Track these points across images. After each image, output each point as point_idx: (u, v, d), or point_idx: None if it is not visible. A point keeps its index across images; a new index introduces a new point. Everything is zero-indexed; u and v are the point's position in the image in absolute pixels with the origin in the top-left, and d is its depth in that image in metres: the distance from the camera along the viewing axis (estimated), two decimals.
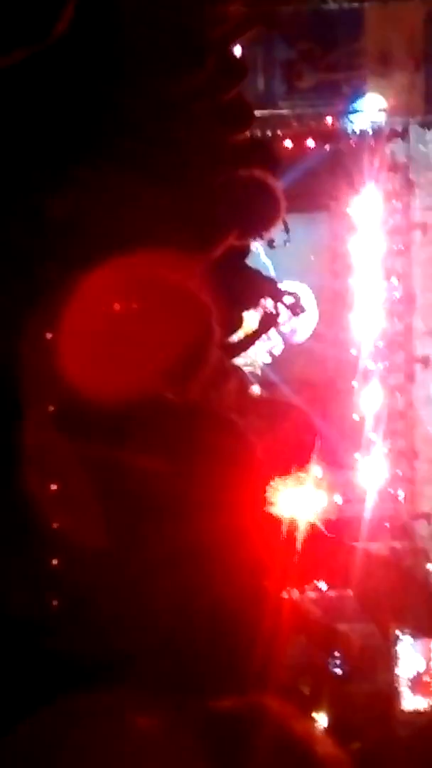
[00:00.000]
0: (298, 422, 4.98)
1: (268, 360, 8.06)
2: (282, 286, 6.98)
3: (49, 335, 2.67)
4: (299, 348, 7.99)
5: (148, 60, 3.45)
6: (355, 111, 7.77)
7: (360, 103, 7.84)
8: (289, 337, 7.58)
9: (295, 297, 6.82)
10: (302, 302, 7.04)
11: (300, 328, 7.43)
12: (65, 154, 3.52)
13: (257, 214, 4.42)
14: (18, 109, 3.21)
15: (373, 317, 8.21)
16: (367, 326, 8.22)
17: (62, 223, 3.44)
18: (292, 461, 5.16)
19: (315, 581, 5.80)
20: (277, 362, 8.11)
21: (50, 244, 3.22)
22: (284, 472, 5.62)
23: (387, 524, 8.08)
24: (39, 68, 3.13)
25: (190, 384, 2.96)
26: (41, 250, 3.21)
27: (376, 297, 8.21)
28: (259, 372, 8.04)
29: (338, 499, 8.21)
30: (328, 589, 6.62)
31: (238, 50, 5.14)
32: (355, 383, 8.34)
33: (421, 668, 7.41)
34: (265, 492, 2.80)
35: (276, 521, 3.19)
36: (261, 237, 4.89)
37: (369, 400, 8.32)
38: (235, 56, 4.23)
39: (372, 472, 8.21)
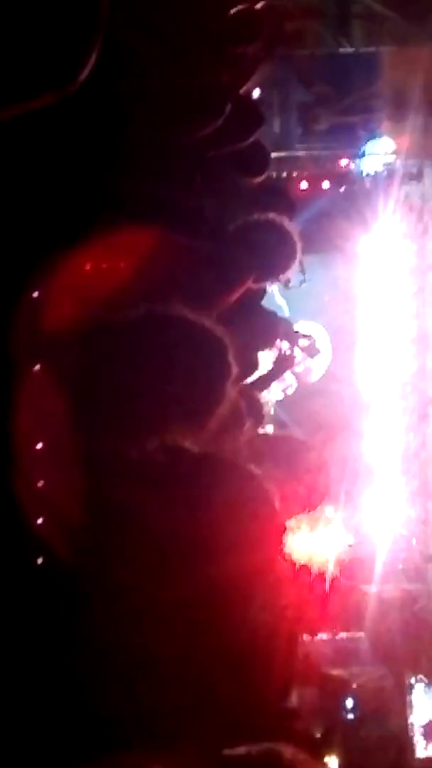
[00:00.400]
0: (311, 463, 4.96)
1: (281, 398, 8.06)
2: (297, 326, 7.01)
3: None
4: (313, 387, 8.00)
5: (164, 107, 3.49)
6: (370, 153, 7.83)
7: (375, 145, 7.89)
8: (303, 376, 7.59)
9: (309, 339, 6.84)
10: (317, 343, 7.05)
11: (314, 368, 7.44)
12: (80, 203, 3.55)
13: (274, 258, 4.44)
14: (30, 159, 3.24)
15: (387, 357, 8.22)
16: (381, 366, 8.23)
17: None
18: (306, 502, 5.14)
19: (329, 625, 5.75)
20: (290, 401, 8.11)
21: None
22: (298, 513, 5.60)
23: (400, 566, 8.03)
24: (55, 117, 3.16)
25: (207, 424, 2.96)
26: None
27: (390, 337, 8.22)
28: (272, 411, 8.04)
29: (351, 539, 8.18)
30: (341, 631, 6.57)
31: (255, 94, 5.20)
32: (368, 423, 8.33)
33: None
34: (280, 539, 2.78)
35: (291, 568, 3.18)
36: (277, 280, 4.91)
37: (382, 441, 8.30)
38: (251, 103, 4.27)
39: (385, 512, 8.17)
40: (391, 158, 7.88)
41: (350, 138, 7.91)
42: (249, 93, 4.26)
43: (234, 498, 2.53)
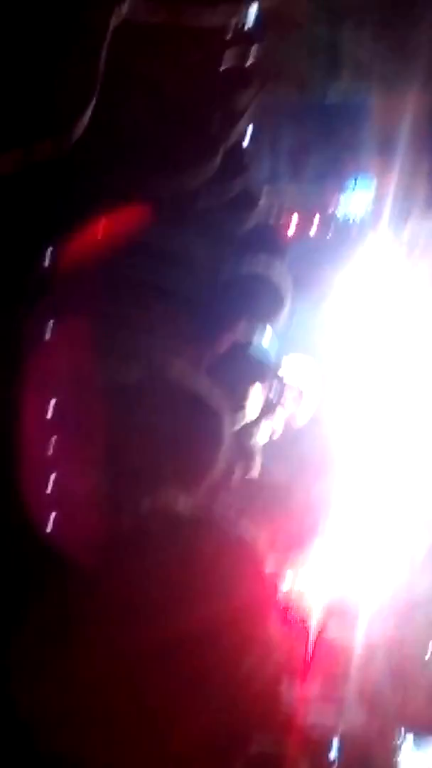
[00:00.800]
0: (299, 506, 4.96)
1: (267, 440, 8.04)
2: (292, 361, 7.03)
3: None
4: (300, 429, 7.97)
5: (155, 159, 3.52)
6: (356, 198, 7.93)
7: (361, 191, 7.98)
8: (290, 420, 7.57)
9: (299, 389, 6.86)
10: (307, 388, 7.05)
11: (302, 412, 7.41)
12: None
13: (264, 309, 4.47)
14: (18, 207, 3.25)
15: (377, 396, 8.23)
16: (370, 405, 8.24)
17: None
18: (294, 548, 5.13)
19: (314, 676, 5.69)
20: (277, 442, 8.08)
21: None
22: (286, 559, 5.58)
23: (388, 609, 7.98)
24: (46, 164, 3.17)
25: (200, 487, 2.96)
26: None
27: (380, 378, 8.24)
28: (261, 448, 8.01)
29: (339, 580, 8.15)
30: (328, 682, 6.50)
31: (246, 140, 5.24)
32: (355, 463, 8.31)
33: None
34: (271, 601, 2.78)
35: (276, 626, 3.16)
36: (269, 325, 4.93)
37: (368, 482, 8.28)
38: (242, 152, 4.30)
39: (370, 556, 8.13)
40: (370, 204, 7.98)
41: (337, 183, 8.00)
42: (240, 143, 4.29)
43: (224, 562, 2.52)
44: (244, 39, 3.57)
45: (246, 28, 3.36)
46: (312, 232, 7.93)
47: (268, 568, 2.66)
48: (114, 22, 2.68)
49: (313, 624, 5.19)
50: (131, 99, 3.31)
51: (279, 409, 6.36)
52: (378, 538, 8.19)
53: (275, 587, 2.86)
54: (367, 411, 8.34)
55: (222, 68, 3.74)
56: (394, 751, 7.04)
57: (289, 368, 6.74)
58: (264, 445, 8.00)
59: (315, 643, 4.95)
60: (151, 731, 2.59)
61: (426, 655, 8.00)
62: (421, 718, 6.53)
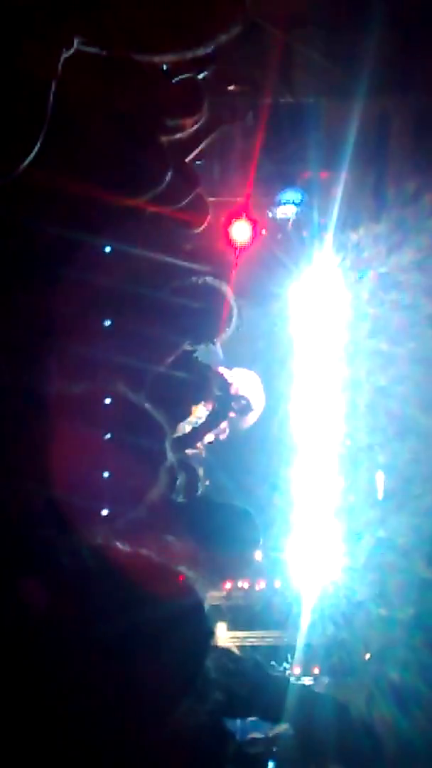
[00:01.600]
0: (239, 523, 4.98)
1: (211, 439, 8.07)
2: (232, 374, 7.04)
3: None
4: (245, 433, 8.01)
5: (104, 175, 3.49)
6: (285, 202, 7.96)
7: (311, 194, 8.00)
8: (235, 423, 7.61)
9: (243, 398, 6.89)
10: (250, 393, 7.09)
11: (247, 417, 7.46)
12: (23, 262, 3.52)
13: (209, 321, 4.47)
14: None
15: (320, 404, 8.29)
16: (313, 413, 8.30)
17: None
18: (233, 565, 5.14)
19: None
20: (221, 446, 8.11)
21: None
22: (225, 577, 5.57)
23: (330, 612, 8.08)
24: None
25: (141, 503, 2.95)
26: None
27: (322, 384, 8.30)
28: (203, 454, 8.04)
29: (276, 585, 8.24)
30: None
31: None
32: (299, 469, 8.38)
33: None
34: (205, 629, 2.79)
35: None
36: (212, 342, 4.94)
37: (313, 487, 8.36)
38: (191, 167, 4.29)
39: (314, 559, 8.23)
40: (332, 207, 8.00)
41: (288, 186, 8.01)
42: (189, 159, 4.27)
43: (159, 593, 2.53)
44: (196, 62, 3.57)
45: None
46: (262, 235, 7.94)
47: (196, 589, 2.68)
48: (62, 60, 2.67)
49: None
50: (81, 117, 3.28)
51: (226, 416, 6.38)
52: (321, 541, 8.29)
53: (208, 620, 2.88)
54: (312, 413, 8.42)
55: (173, 85, 3.73)
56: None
57: (234, 380, 6.78)
58: (208, 444, 8.06)
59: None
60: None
61: (365, 655, 8.11)
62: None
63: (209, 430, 6.21)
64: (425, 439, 8.40)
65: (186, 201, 4.47)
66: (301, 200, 7.98)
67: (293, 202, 7.98)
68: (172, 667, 2.49)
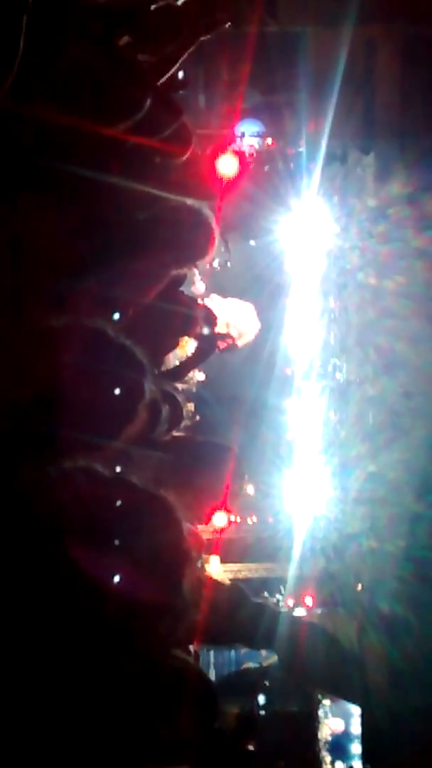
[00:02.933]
0: (219, 464, 5.01)
1: (203, 378, 8.09)
2: (225, 303, 7.01)
3: None
4: (235, 366, 8.02)
5: (83, 103, 3.44)
6: (248, 134, 7.85)
7: (299, 126, 7.89)
8: (227, 355, 7.58)
9: (234, 326, 6.85)
10: (242, 323, 7.04)
11: (238, 347, 7.42)
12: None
13: (192, 243, 4.43)
14: None
15: (310, 337, 8.29)
16: (304, 346, 8.30)
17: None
18: (213, 501, 5.18)
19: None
20: (213, 379, 8.13)
21: None
22: (205, 513, 5.62)
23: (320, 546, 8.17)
24: None
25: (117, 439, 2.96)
26: None
27: (313, 318, 8.29)
28: (194, 389, 8.05)
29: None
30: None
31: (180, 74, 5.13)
32: (290, 403, 8.41)
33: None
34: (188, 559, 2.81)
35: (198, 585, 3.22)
36: (195, 266, 4.90)
37: (303, 420, 8.39)
38: (173, 96, 4.23)
39: (305, 492, 8.29)
40: (320, 139, 7.89)
41: (275, 117, 7.89)
42: (171, 82, 4.21)
43: (142, 519, 2.55)
44: None
45: None
46: (248, 167, 7.84)
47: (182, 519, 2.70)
48: None
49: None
50: (60, 42, 3.23)
51: (213, 349, 6.35)
52: (312, 474, 8.35)
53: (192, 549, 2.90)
54: (303, 347, 8.42)
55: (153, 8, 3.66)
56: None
57: (225, 310, 6.73)
58: (198, 379, 8.07)
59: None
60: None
61: (357, 586, 8.21)
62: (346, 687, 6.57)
63: (197, 365, 6.20)
64: (414, 374, 8.42)
65: (169, 131, 4.42)
66: (258, 131, 7.87)
67: (253, 134, 7.87)
68: (148, 585, 2.52)
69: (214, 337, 6.16)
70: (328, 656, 6.18)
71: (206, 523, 6.96)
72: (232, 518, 8.16)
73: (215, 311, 6.26)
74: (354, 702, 7.26)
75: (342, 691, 6.78)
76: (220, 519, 7.99)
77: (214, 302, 6.76)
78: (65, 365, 2.84)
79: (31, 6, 2.85)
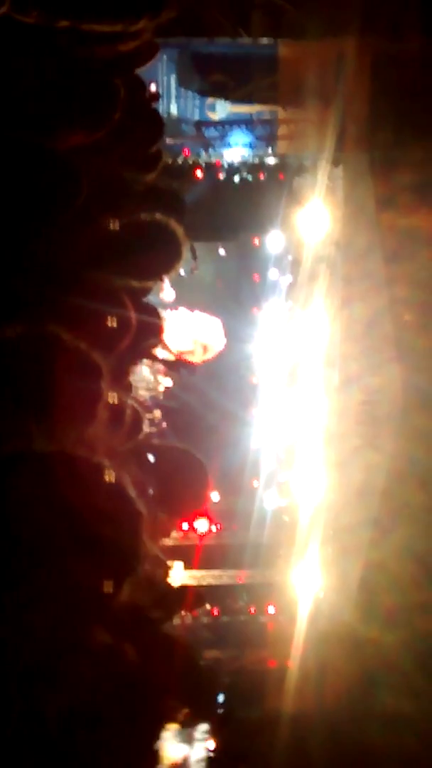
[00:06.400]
0: (191, 470, 5.05)
1: (170, 385, 8.11)
2: (195, 318, 7.06)
3: None
4: (202, 375, 8.06)
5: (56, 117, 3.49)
6: (234, 144, 7.92)
7: (268, 137, 7.96)
8: (192, 364, 7.62)
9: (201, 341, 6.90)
10: (209, 337, 7.09)
11: (206, 356, 7.45)
12: None
13: (158, 258, 4.47)
14: None
15: (279, 344, 8.34)
16: (271, 355, 8.36)
17: None
18: (186, 506, 5.21)
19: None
20: (183, 386, 8.15)
21: None
22: (178, 517, 5.64)
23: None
24: None
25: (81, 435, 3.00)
26: None
27: (280, 323, 8.34)
28: (161, 397, 8.08)
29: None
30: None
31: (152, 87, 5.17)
32: (256, 409, 8.45)
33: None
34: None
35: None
36: (161, 279, 4.92)
37: (270, 426, 8.43)
38: (148, 110, 4.28)
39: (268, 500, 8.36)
40: (291, 150, 7.97)
41: (246, 128, 7.94)
42: (145, 101, 4.24)
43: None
44: None
45: None
46: (219, 177, 7.88)
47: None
48: None
49: None
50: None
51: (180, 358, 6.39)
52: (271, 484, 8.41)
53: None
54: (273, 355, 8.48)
55: None
56: None
57: (199, 316, 6.79)
58: (166, 386, 8.10)
59: None
60: None
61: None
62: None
63: (161, 374, 6.23)
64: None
65: (142, 141, 4.46)
66: (250, 142, 7.94)
67: (243, 145, 7.94)
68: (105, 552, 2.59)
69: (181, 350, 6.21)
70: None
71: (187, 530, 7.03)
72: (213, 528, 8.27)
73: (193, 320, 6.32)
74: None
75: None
76: (201, 525, 8.08)
77: (182, 317, 6.81)
78: (21, 373, 2.88)
79: None
